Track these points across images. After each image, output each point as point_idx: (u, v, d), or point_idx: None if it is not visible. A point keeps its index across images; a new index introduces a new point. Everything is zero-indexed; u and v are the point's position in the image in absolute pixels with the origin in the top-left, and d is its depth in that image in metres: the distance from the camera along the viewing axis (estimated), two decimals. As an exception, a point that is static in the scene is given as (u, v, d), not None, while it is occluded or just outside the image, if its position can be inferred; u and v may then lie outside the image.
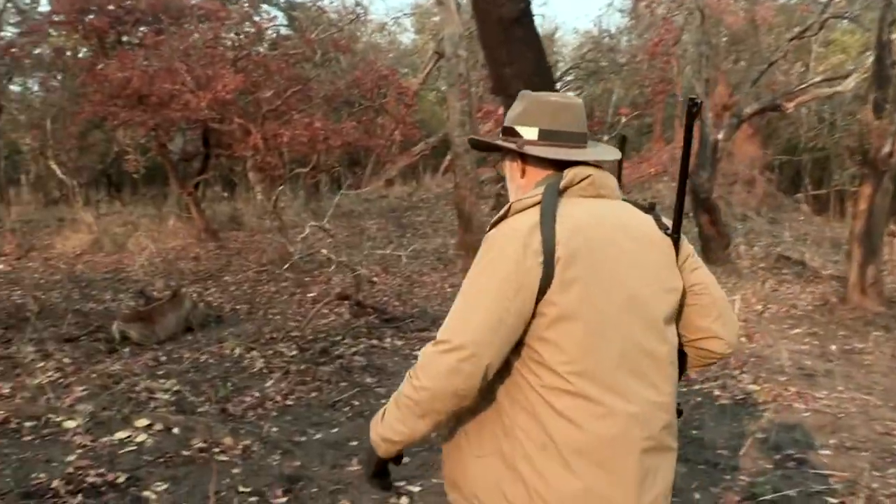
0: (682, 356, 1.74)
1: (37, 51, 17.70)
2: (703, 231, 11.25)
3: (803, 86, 12.11)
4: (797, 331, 7.60)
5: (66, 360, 5.96)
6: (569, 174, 1.62)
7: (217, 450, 4.12)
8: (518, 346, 1.53)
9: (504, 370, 1.55)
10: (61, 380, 5.47)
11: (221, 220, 15.74)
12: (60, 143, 15.86)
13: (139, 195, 23.08)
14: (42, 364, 5.83)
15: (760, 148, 18.63)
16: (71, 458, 3.98)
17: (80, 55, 15.27)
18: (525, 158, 1.71)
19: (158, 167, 22.60)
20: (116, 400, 4.90)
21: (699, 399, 5.35)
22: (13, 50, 14.87)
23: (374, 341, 6.95)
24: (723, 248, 11.16)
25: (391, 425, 1.58)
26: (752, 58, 14.91)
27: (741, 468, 4.11)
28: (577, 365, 1.51)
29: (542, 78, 4.30)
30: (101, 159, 24.06)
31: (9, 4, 16.26)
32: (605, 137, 15.73)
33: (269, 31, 11.29)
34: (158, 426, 4.39)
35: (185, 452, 4.08)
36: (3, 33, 16.04)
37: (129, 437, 4.26)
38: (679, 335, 1.70)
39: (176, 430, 4.35)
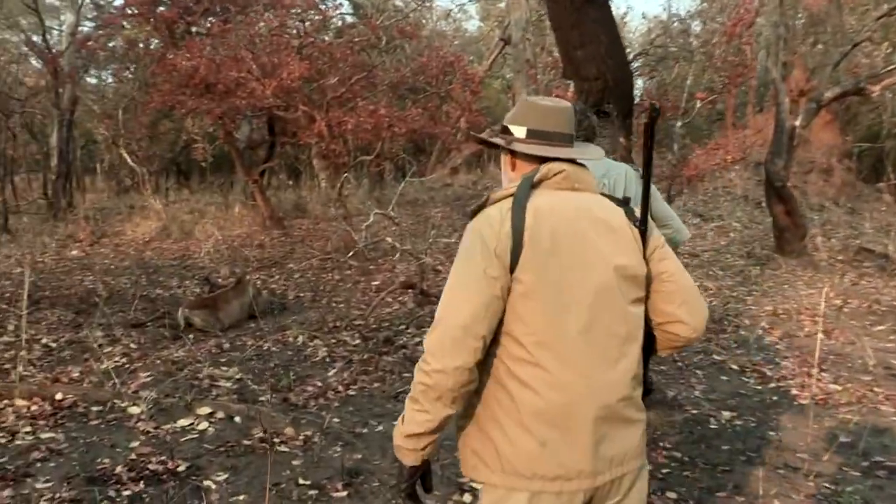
0: (651, 339, 1.89)
1: (111, 44, 18.19)
2: (778, 221, 10.76)
3: (891, 67, 11.43)
4: (881, 328, 7.17)
5: (133, 346, 6.02)
6: (543, 169, 1.79)
7: (278, 440, 4.06)
8: None
9: None
10: (127, 365, 5.51)
11: (286, 208, 15.87)
12: (131, 133, 16.22)
13: (206, 183, 23.50)
14: (109, 349, 5.91)
15: (839, 135, 17.82)
16: (134, 444, 3.97)
17: (151, 47, 15.58)
18: (514, 154, 1.88)
19: (225, 156, 22.96)
20: (179, 387, 4.90)
21: (775, 398, 5.07)
22: (90, 43, 15.26)
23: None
24: (798, 240, 10.66)
25: (412, 419, 1.71)
26: (834, 39, 14.19)
27: (824, 474, 3.84)
28: (538, 337, 1.67)
29: (616, 60, 4.07)
30: (171, 148, 24.57)
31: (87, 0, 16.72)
32: (679, 123, 15.22)
33: (335, 19, 11.22)
34: (220, 414, 4.36)
35: (245, 442, 4.02)
36: (81, 28, 16.55)
37: (190, 424, 4.23)
38: (648, 319, 1.84)
39: (237, 419, 4.31)
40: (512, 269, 1.68)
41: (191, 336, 6.45)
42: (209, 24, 12.32)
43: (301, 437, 4.11)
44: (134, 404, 4.44)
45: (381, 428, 4.37)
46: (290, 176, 22.21)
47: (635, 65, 23.37)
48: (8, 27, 18.21)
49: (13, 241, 12.85)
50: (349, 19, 13.71)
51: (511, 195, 1.75)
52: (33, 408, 4.39)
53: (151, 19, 12.99)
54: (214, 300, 6.84)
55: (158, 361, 5.57)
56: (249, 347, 6.15)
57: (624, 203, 1.84)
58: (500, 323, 1.70)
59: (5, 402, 4.44)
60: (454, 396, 1.68)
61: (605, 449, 1.73)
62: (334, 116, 9.41)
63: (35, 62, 18.19)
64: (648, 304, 1.84)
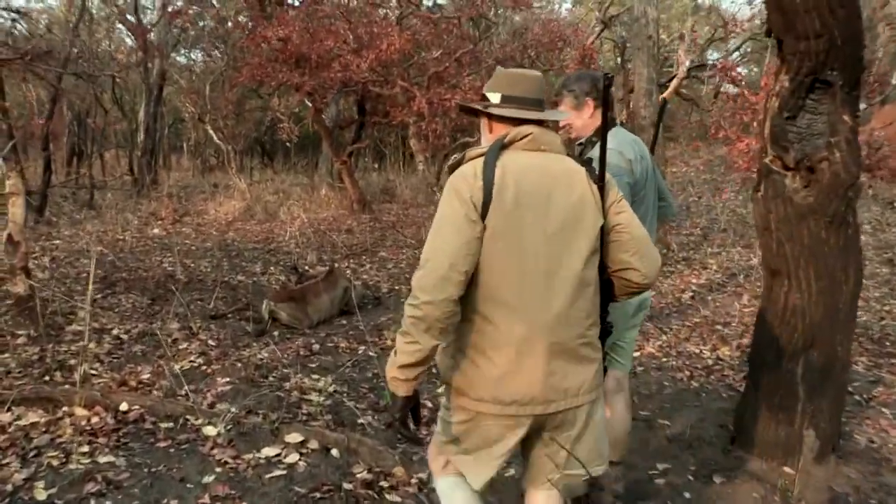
0: (610, 285, 2.10)
1: (201, 23, 17.88)
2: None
3: None
4: None
5: (211, 343, 5.28)
6: (512, 132, 2.04)
7: (385, 483, 3.21)
8: None
9: None
10: (204, 367, 4.77)
11: (373, 192, 15.19)
12: (218, 110, 15.78)
13: (290, 164, 23.19)
14: (185, 345, 5.19)
15: None
16: (208, 478, 3.19)
17: (241, 19, 15.09)
18: (491, 117, 2.14)
19: (310, 136, 22.61)
20: (263, 400, 4.11)
21: None
22: (180, 17, 14.85)
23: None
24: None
25: (404, 350, 1.93)
26: None
27: None
28: (501, 277, 1.93)
29: (847, 10, 3.05)
30: (256, 127, 24.41)
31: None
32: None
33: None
34: (313, 444, 3.53)
35: (346, 485, 3.18)
36: (172, 3, 16.18)
37: (277, 455, 3.42)
38: (606, 266, 2.07)
39: (335, 452, 3.48)
40: (483, 218, 1.91)
41: (275, 333, 5.70)
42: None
43: (414, 481, 3.25)
44: (210, 422, 3.66)
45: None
46: (375, 158, 21.60)
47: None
48: (102, 1, 18.06)
49: (97, 217, 12.51)
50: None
51: (483, 154, 1.99)
52: (94, 420, 3.67)
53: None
54: (303, 293, 6.06)
55: (239, 364, 4.81)
56: (342, 350, 5.35)
57: (586, 163, 2.07)
58: None
59: (64, 410, 3.74)
60: (441, 327, 1.89)
61: (558, 380, 1.96)
62: (436, 93, 8.52)
63: (127, 37, 18.02)
64: (605, 253, 2.05)
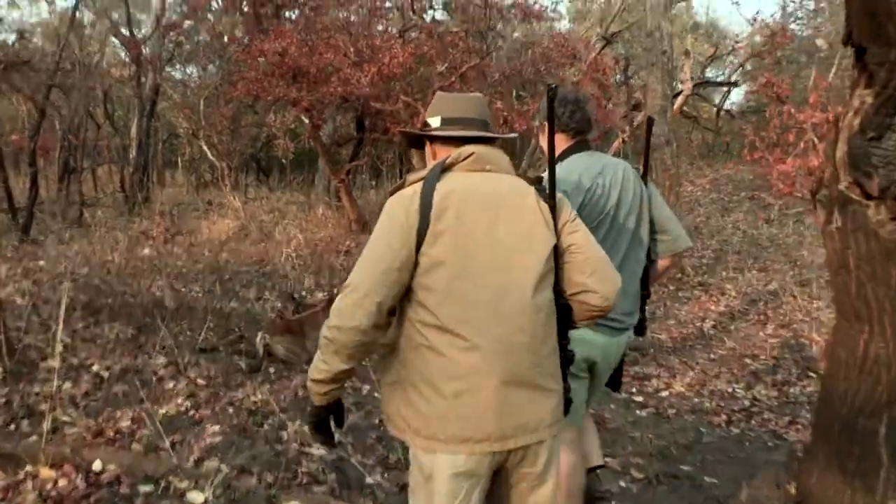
0: (568, 309, 1.98)
1: (196, 38, 17.50)
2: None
3: None
4: None
5: (200, 381, 4.78)
6: (454, 153, 1.96)
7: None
8: (407, 292, 1.88)
9: (400, 313, 1.91)
10: (192, 411, 4.28)
11: (372, 210, 14.73)
12: (213, 125, 15.34)
13: (286, 181, 22.76)
14: (171, 385, 4.70)
15: None
16: (193, 561, 2.70)
17: (237, 33, 14.72)
18: (433, 141, 2.10)
19: (306, 153, 22.20)
20: (258, 455, 3.62)
21: None
22: (174, 30, 14.44)
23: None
24: None
25: (315, 366, 1.91)
26: None
27: None
28: (445, 306, 1.84)
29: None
30: (251, 144, 24.00)
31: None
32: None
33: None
34: (315, 515, 3.05)
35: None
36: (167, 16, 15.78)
37: (274, 530, 2.94)
38: (562, 290, 1.96)
39: (341, 527, 3.00)
40: (420, 244, 1.85)
41: (271, 370, 5.21)
42: (299, 7, 11.20)
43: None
44: (196, 486, 3.18)
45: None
46: (372, 176, 21.19)
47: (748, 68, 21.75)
48: (95, 14, 17.65)
49: (86, 236, 12.01)
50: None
51: (423, 178, 1.92)
52: (61, 483, 3.17)
53: (239, 2, 12.00)
54: (301, 325, 5.58)
55: (231, 409, 4.32)
56: (347, 391, 4.87)
57: (535, 181, 2.01)
58: (412, 292, 1.87)
59: (26, 470, 3.25)
60: (349, 353, 1.85)
61: (514, 414, 1.84)
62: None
63: (120, 51, 17.61)
64: (560, 276, 1.95)
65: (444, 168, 1.94)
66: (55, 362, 4.27)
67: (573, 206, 2.18)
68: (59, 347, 4.24)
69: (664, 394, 5.20)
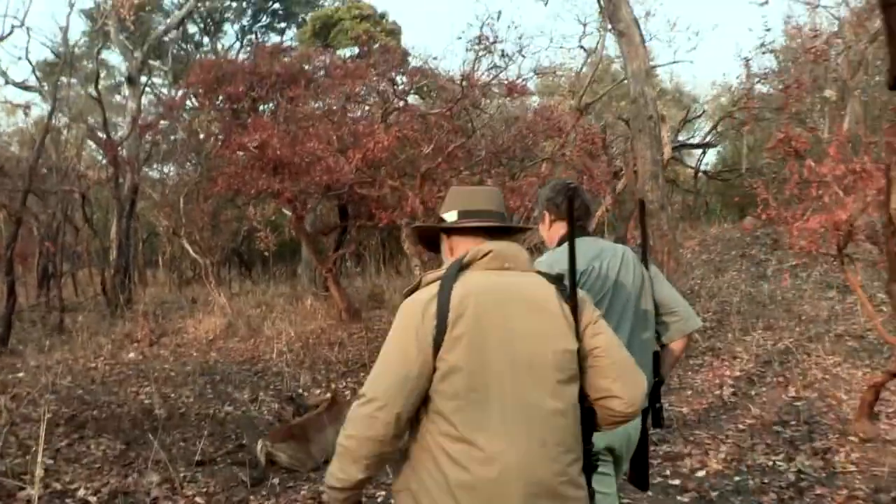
0: (592, 413, 1.89)
1: (173, 137, 17.45)
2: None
3: None
4: None
5: (199, 501, 4.37)
6: (472, 250, 1.90)
7: None
8: (424, 399, 1.80)
9: (414, 420, 1.82)
10: (192, 538, 3.87)
11: (360, 298, 14.41)
12: (193, 222, 15.09)
13: (269, 273, 22.48)
14: (167, 506, 4.28)
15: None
16: None
17: (213, 128, 14.66)
18: (450, 237, 2.04)
19: (287, 244, 22.01)
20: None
21: None
22: (150, 130, 14.35)
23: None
24: None
25: (333, 473, 1.83)
26: None
27: None
28: (463, 414, 1.75)
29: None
30: (232, 238, 23.79)
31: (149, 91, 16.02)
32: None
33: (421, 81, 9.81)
34: None
35: None
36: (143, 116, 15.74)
37: None
38: (586, 394, 1.88)
39: None
40: (437, 350, 1.77)
41: (276, 481, 4.80)
42: (276, 100, 11.13)
43: None
44: None
45: None
46: (356, 263, 20.99)
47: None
48: (72, 119, 17.59)
49: (67, 343, 11.56)
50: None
51: (440, 278, 1.85)
52: None
53: (215, 98, 11.93)
54: (304, 428, 5.19)
55: (236, 532, 3.91)
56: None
57: (557, 279, 1.92)
58: (430, 401, 1.78)
59: None
60: (367, 463, 1.77)
61: None
62: (429, 192, 7.89)
63: (96, 153, 17.47)
64: (584, 380, 1.87)
65: (462, 267, 1.88)
66: (35, 490, 3.87)
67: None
68: (39, 472, 3.84)
69: (701, 473, 4.83)
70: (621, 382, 1.86)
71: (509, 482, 1.72)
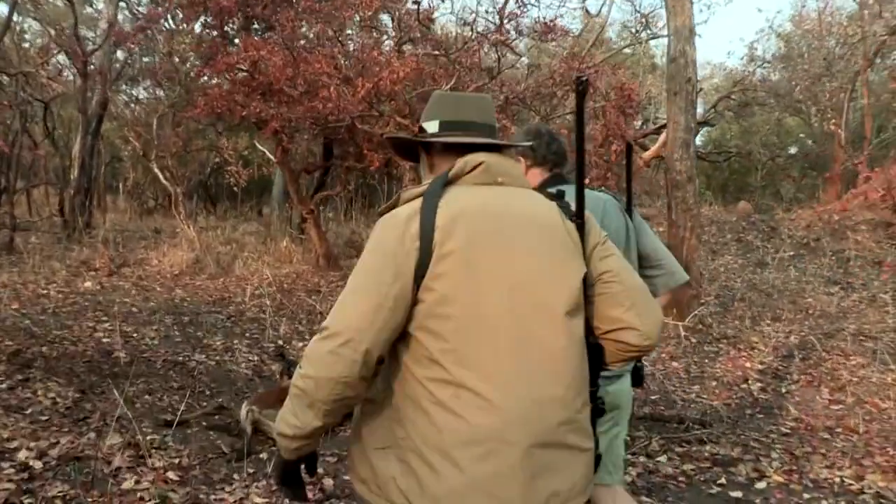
0: (599, 350, 1.65)
1: (145, 59, 16.15)
2: None
3: None
4: None
5: (172, 476, 3.54)
6: (459, 163, 1.61)
7: None
8: (405, 337, 1.52)
9: (394, 363, 1.55)
10: (164, 529, 3.05)
11: (337, 245, 13.54)
12: (165, 147, 13.95)
13: (238, 210, 21.50)
14: (132, 480, 3.44)
15: None
16: None
17: (190, 60, 13.52)
18: (430, 153, 1.73)
19: (255, 181, 21.03)
20: None
21: None
22: (129, 42, 13.09)
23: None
24: None
25: (284, 418, 1.54)
26: None
27: None
28: (457, 354, 1.48)
29: None
30: (200, 170, 22.75)
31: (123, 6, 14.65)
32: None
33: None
34: None
35: None
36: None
37: None
38: (594, 327, 1.63)
39: None
40: (421, 277, 1.49)
41: (263, 455, 3.98)
42: (273, 17, 10.06)
43: None
44: None
45: None
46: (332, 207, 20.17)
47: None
48: (37, 20, 16.17)
49: (17, 265, 10.51)
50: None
51: (422, 193, 1.56)
52: None
53: (201, 13, 10.80)
54: (298, 392, 4.37)
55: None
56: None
57: (557, 196, 1.68)
58: (412, 338, 1.51)
59: None
60: (326, 409, 1.49)
61: (543, 483, 1.48)
62: (443, 133, 6.98)
63: (63, 64, 16.08)
64: (591, 311, 1.62)
65: (447, 182, 1.59)
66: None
67: None
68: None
69: (761, 485, 4.15)
70: (636, 311, 1.61)
71: (513, 432, 1.46)
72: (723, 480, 4.20)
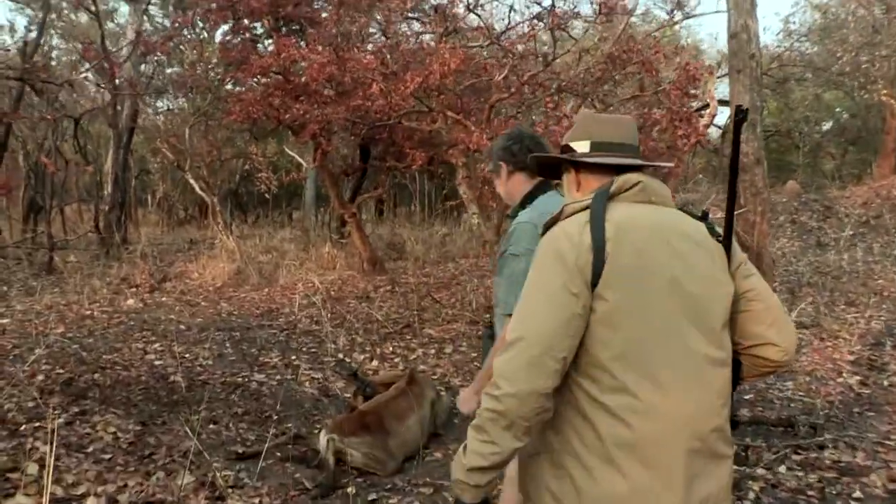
0: (736, 365, 1.69)
1: (169, 70, 15.88)
2: None
3: None
4: None
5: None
6: (618, 180, 1.67)
7: None
8: None
9: None
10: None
11: (381, 248, 13.20)
12: (199, 156, 13.69)
13: (269, 217, 21.33)
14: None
15: None
16: None
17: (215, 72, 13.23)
18: (579, 171, 1.80)
19: (283, 187, 20.85)
20: None
21: None
22: (160, 49, 12.79)
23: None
24: None
25: (477, 451, 1.53)
26: None
27: None
28: (625, 361, 1.52)
29: None
30: (229, 178, 22.66)
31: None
32: None
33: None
34: None
35: None
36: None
37: None
38: (734, 342, 1.67)
39: None
40: (593, 286, 1.54)
41: (350, 489, 3.60)
42: (307, 16, 9.70)
43: None
44: None
45: None
46: (376, 209, 19.92)
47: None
48: (64, 35, 16.01)
49: (58, 285, 10.29)
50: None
51: (587, 207, 1.63)
52: None
53: (234, 12, 10.47)
54: (379, 416, 3.95)
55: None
56: None
57: (703, 217, 1.72)
58: (581, 346, 1.54)
59: None
60: (526, 426, 1.51)
61: (697, 488, 1.53)
62: (499, 127, 6.54)
63: (92, 76, 15.89)
64: (733, 326, 1.67)
65: (609, 197, 1.64)
66: (26, 499, 2.68)
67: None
68: (32, 469, 2.66)
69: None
70: (776, 329, 1.66)
71: (673, 438, 1.50)
72: (858, 494, 3.75)
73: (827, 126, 25.98)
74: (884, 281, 10.07)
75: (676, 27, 21.84)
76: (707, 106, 12.43)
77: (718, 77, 20.57)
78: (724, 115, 23.03)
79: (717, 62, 17.75)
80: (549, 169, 1.96)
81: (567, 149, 1.82)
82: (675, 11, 16.15)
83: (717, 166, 21.05)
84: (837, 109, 25.33)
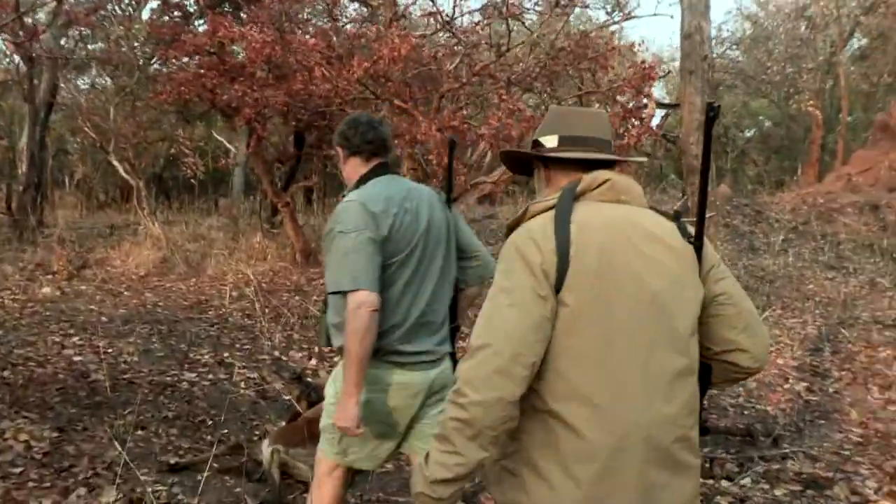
0: (707, 370, 1.65)
1: (91, 46, 15.02)
2: None
3: None
4: None
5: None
6: (586, 179, 1.62)
7: None
8: None
9: None
10: None
11: (313, 238, 12.77)
12: (125, 137, 12.98)
13: (195, 204, 20.58)
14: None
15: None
16: None
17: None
18: (548, 166, 1.74)
19: (210, 173, 20.17)
20: None
21: None
22: (81, 22, 12.01)
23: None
24: None
25: (440, 461, 1.47)
26: None
27: None
28: (581, 369, 1.48)
29: None
30: (154, 161, 21.82)
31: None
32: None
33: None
34: None
35: None
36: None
37: None
38: (704, 348, 1.63)
39: None
40: (557, 290, 1.49)
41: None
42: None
43: None
44: None
45: None
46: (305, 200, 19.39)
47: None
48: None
49: (-37, 271, 9.54)
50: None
51: (552, 207, 1.58)
52: None
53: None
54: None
55: None
56: None
57: (675, 217, 1.66)
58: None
59: None
60: (493, 436, 1.46)
61: (657, 498, 1.49)
62: (448, 118, 6.27)
63: (3, 44, 14.88)
64: (703, 331, 1.63)
65: (574, 196, 1.59)
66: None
67: (384, 231, 2.22)
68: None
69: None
70: (748, 334, 1.62)
71: (630, 447, 1.46)
72: (829, 512, 3.65)
73: (750, 133, 26.73)
74: (814, 286, 10.28)
75: (612, 28, 22.03)
76: (645, 106, 12.46)
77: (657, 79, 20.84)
78: (658, 117, 23.42)
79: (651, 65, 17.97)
80: (521, 165, 1.87)
81: (536, 144, 1.76)
82: (616, 12, 16.16)
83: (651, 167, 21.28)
84: (761, 118, 26.10)
